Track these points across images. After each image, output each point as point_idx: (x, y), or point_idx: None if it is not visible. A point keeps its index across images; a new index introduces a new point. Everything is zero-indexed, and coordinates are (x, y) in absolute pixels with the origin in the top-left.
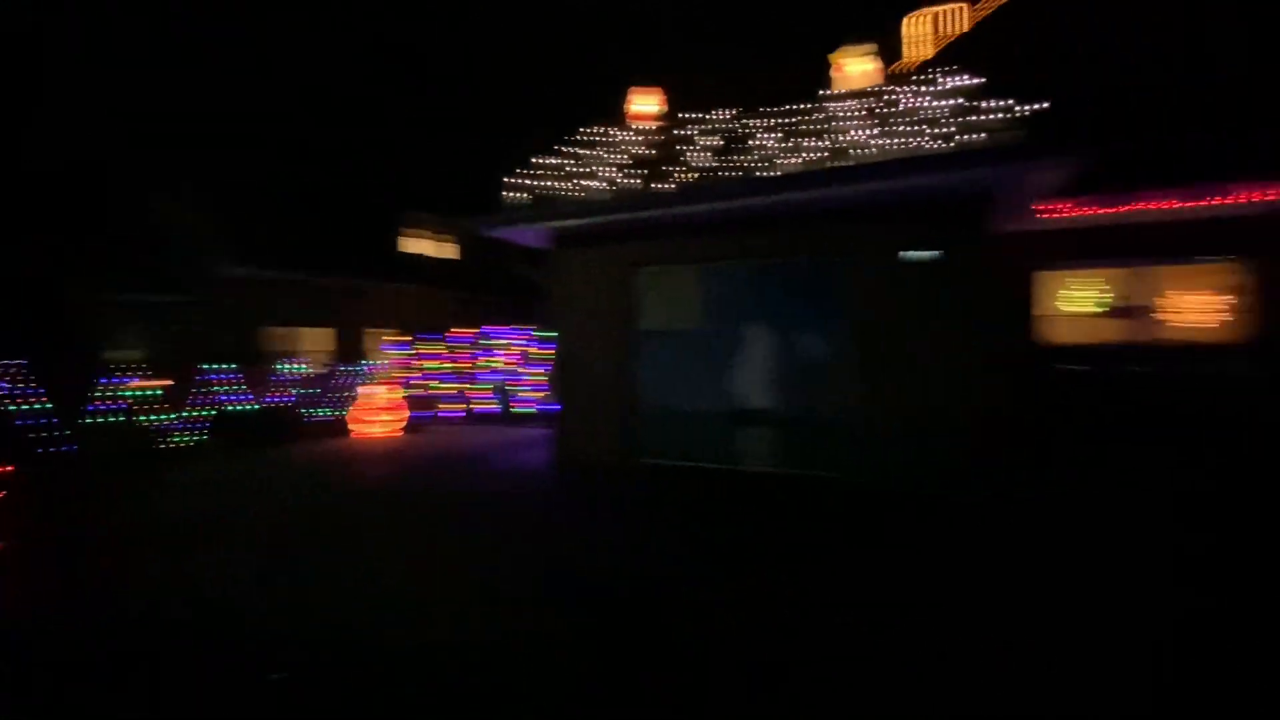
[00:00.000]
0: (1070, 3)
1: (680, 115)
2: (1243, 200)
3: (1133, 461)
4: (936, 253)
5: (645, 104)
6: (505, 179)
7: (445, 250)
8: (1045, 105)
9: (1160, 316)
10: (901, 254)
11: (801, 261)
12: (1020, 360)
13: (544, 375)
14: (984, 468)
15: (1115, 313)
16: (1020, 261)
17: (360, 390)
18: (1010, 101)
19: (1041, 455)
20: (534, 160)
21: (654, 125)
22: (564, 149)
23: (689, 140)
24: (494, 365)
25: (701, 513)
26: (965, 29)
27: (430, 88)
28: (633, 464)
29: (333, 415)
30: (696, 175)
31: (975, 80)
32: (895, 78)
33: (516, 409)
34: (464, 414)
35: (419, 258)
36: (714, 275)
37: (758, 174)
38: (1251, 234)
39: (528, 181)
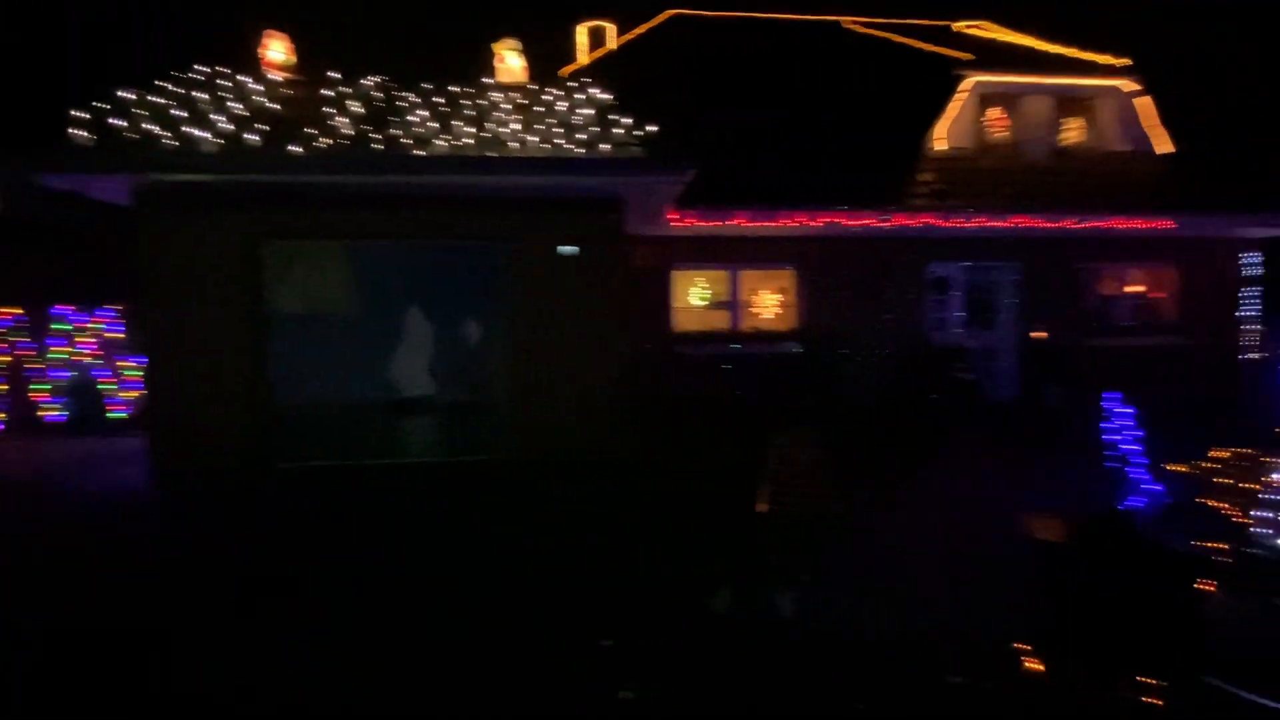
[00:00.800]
0: (703, 46)
1: (328, 74)
2: (792, 224)
3: (726, 426)
4: (576, 249)
5: (279, 51)
6: (77, 112)
7: None
8: (655, 129)
9: (753, 310)
10: (560, 248)
11: (459, 246)
12: (658, 346)
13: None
14: (629, 441)
15: (720, 306)
16: (659, 261)
17: None
18: (631, 121)
19: (672, 426)
20: (123, 95)
21: (286, 77)
22: (169, 86)
23: (332, 102)
24: (67, 357)
25: (341, 519)
26: (613, 47)
27: None
28: (267, 470)
29: None
30: (335, 142)
31: (608, 96)
32: (555, 80)
33: (111, 414)
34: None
35: None
36: (365, 254)
37: (414, 151)
38: (797, 249)
39: (115, 121)
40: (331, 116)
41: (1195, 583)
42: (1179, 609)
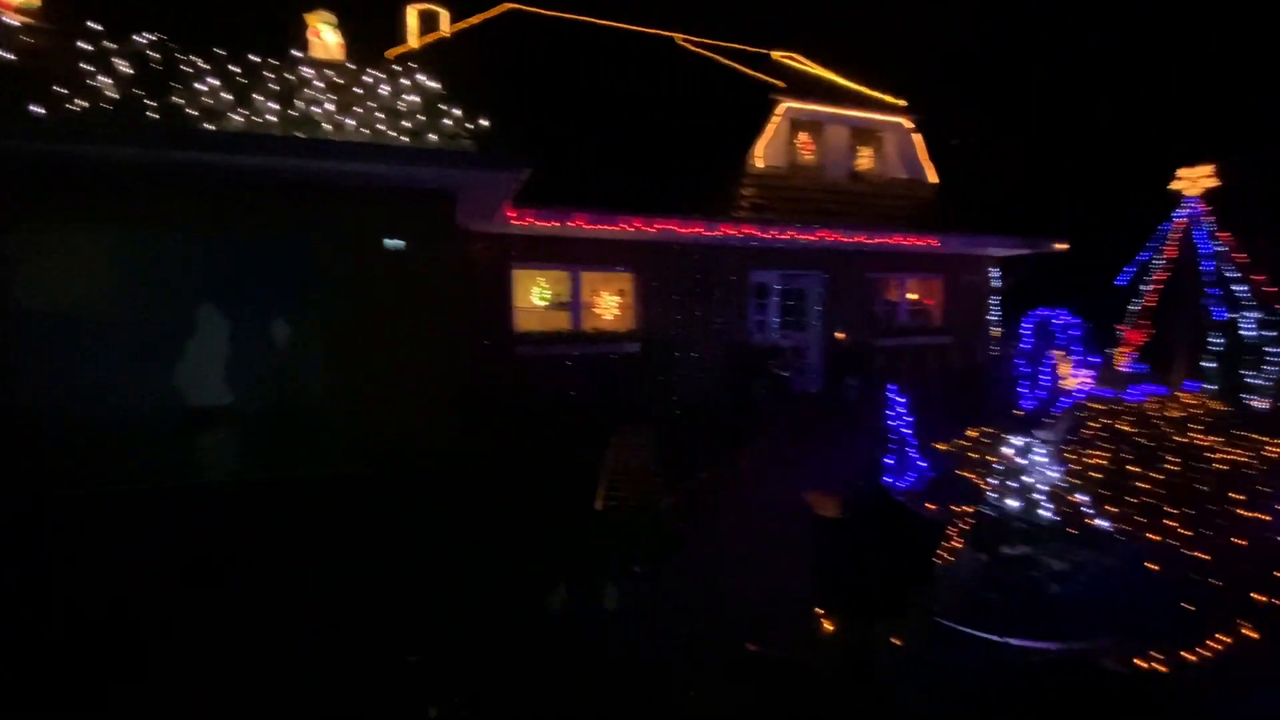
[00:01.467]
0: (539, 44)
1: (87, 24)
2: (630, 229)
3: (568, 425)
4: (402, 243)
5: None
6: None
7: None
8: (488, 124)
9: (595, 311)
10: (386, 241)
11: (269, 237)
12: (498, 345)
13: None
14: (468, 442)
15: (561, 306)
16: (499, 258)
17: None
18: (461, 113)
19: (514, 427)
20: None
21: (27, 22)
22: None
23: (93, 58)
24: None
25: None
26: (446, 33)
27: None
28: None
29: None
30: (97, 106)
31: (437, 84)
32: (380, 62)
33: None
34: None
35: None
36: (145, 243)
37: (203, 125)
38: (635, 253)
39: None
40: (92, 75)
41: (934, 541)
42: (919, 563)
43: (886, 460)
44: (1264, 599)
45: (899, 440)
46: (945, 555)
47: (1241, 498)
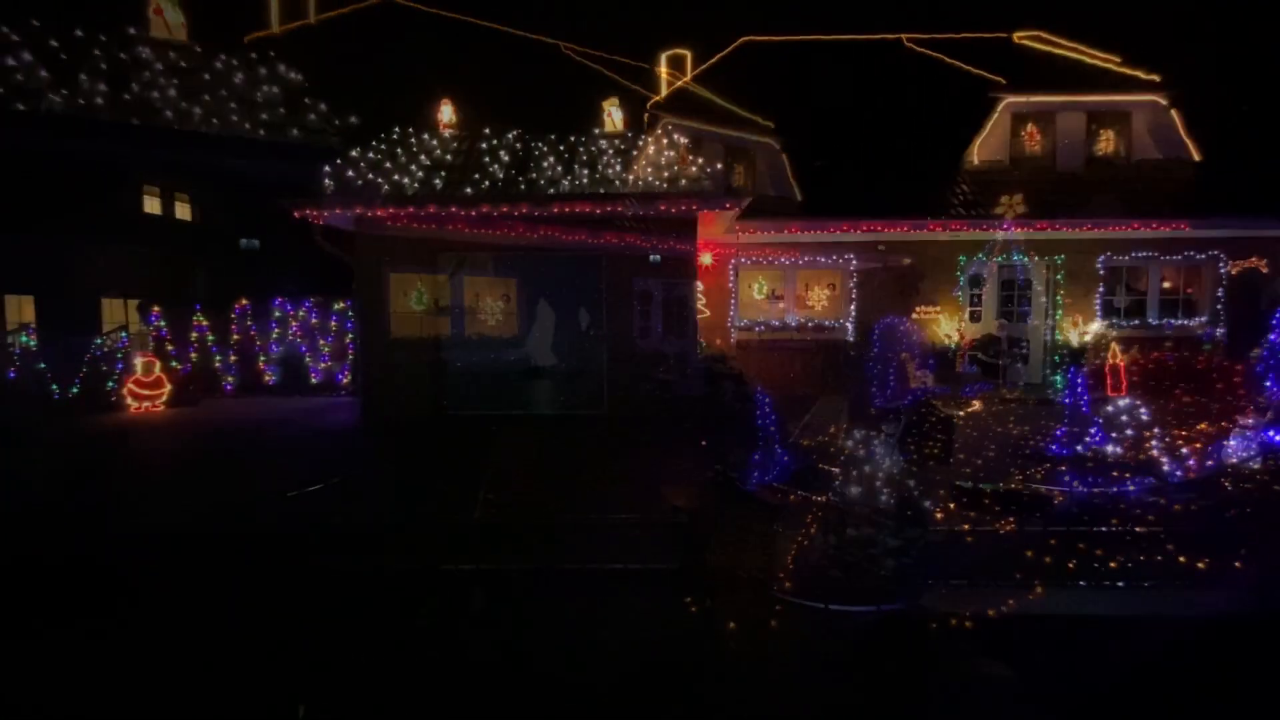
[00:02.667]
0: (420, 38)
1: None
2: (513, 234)
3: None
4: (256, 242)
5: None
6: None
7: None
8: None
9: (479, 317)
10: (241, 241)
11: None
12: (378, 350)
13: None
14: None
15: (441, 312)
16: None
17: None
18: (325, 107)
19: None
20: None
21: None
22: None
23: None
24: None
25: None
26: (311, 20)
27: None
28: None
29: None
30: None
31: (299, 75)
32: (237, 47)
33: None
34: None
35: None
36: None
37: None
38: (520, 260)
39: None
40: None
41: (776, 524)
42: (762, 543)
43: (753, 457)
44: None
45: (767, 438)
46: (800, 540)
47: None
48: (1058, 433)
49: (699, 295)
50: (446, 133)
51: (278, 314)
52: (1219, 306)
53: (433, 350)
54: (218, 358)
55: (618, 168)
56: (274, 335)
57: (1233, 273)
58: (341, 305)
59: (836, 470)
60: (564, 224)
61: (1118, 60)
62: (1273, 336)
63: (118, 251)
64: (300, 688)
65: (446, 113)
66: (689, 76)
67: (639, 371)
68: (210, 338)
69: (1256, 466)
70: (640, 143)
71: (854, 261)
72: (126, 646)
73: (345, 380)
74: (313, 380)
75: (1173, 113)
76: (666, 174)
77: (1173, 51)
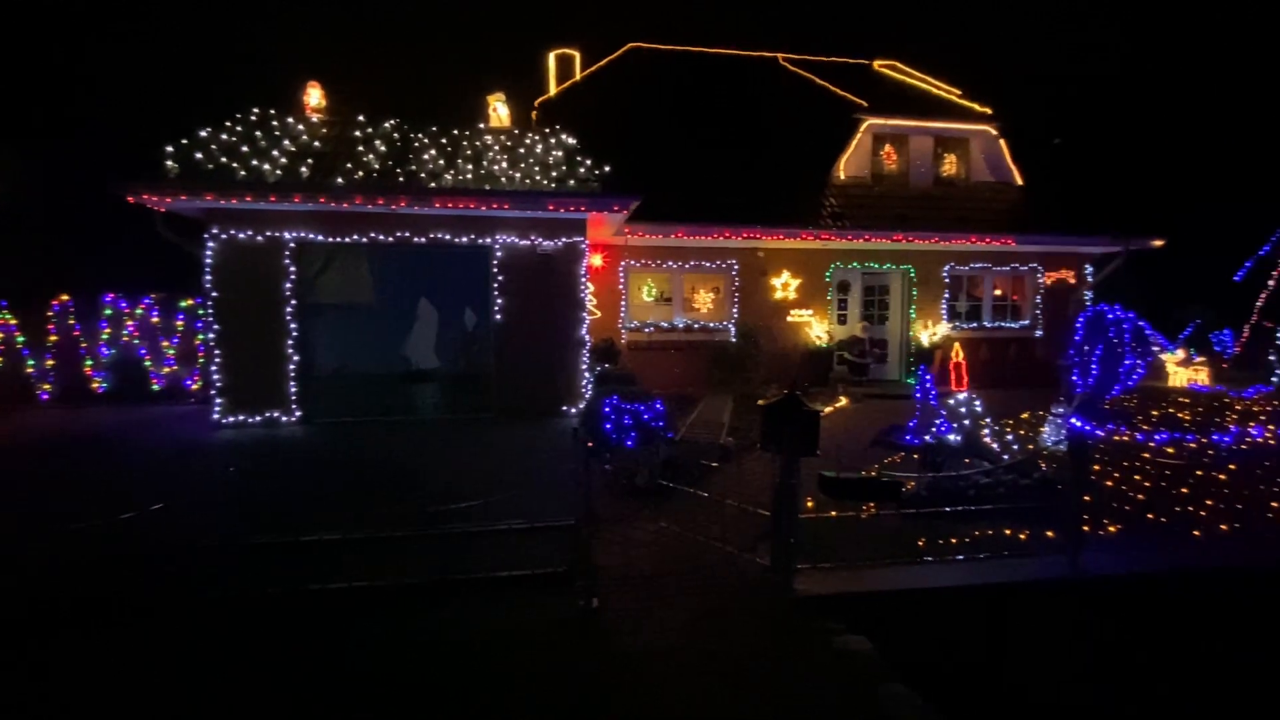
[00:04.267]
0: None
1: None
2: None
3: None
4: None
5: None
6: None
7: None
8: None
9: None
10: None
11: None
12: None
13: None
14: None
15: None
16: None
17: None
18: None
19: None
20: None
21: None
22: None
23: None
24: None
25: None
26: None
27: None
28: None
29: None
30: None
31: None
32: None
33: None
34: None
35: None
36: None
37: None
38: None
39: None
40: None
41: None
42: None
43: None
44: None
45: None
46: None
47: None
48: (909, 424)
49: (590, 296)
50: (315, 118)
51: (109, 311)
52: (1038, 311)
53: (301, 352)
54: (30, 361)
55: (504, 164)
56: (104, 335)
57: (1047, 283)
58: (190, 302)
59: (716, 465)
60: (448, 221)
61: (959, 93)
62: (1077, 337)
63: None
64: None
65: (314, 96)
66: (578, 76)
67: (527, 372)
68: (20, 338)
69: (1063, 450)
70: (528, 140)
71: (736, 266)
72: None
73: (195, 386)
74: (155, 387)
75: (1001, 142)
76: (555, 173)
77: (1002, 87)
